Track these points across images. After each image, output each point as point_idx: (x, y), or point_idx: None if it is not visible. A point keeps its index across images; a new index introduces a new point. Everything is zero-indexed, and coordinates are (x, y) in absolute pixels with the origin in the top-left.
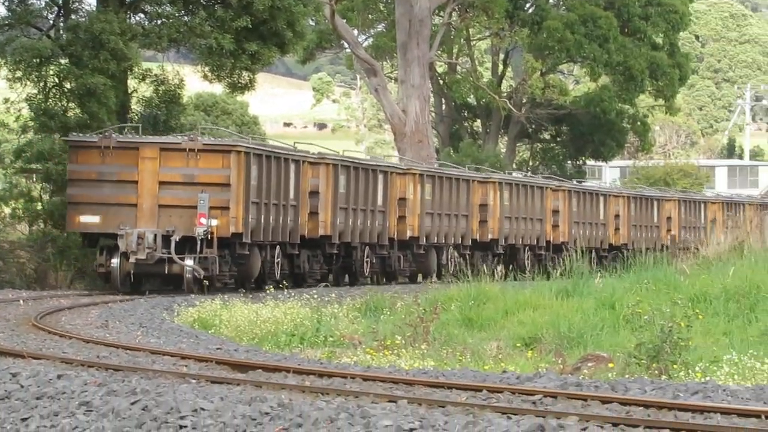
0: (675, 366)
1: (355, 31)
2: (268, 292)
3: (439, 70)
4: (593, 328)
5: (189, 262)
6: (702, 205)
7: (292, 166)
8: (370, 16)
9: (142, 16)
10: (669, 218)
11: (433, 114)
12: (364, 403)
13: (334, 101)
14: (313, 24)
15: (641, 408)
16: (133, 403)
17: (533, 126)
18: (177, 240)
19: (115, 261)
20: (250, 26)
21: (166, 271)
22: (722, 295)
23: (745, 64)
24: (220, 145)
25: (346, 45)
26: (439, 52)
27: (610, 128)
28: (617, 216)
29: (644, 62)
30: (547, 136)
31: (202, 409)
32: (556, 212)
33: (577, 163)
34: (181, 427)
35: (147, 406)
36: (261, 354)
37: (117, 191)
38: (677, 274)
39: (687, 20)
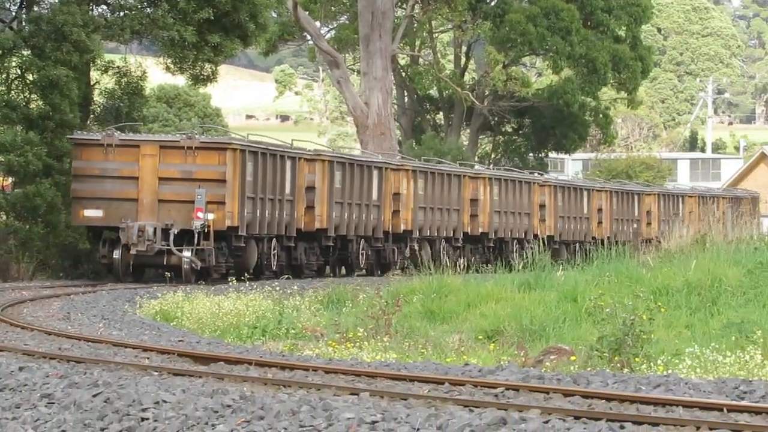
0: (637, 359)
1: (318, 24)
2: (230, 284)
3: (402, 62)
4: (555, 321)
5: (187, 253)
6: (680, 199)
7: (288, 163)
8: (332, 8)
9: (105, 7)
10: (649, 212)
11: (395, 106)
12: (326, 396)
13: (296, 93)
14: (276, 16)
15: (603, 401)
16: (95, 396)
17: (496, 118)
18: (175, 233)
19: (117, 252)
20: (213, 18)
21: (165, 262)
22: (684, 288)
23: (708, 57)
24: (216, 142)
25: (308, 37)
26: (402, 44)
27: (573, 121)
28: (600, 210)
29: (607, 55)
30: (509, 128)
31: (164, 401)
32: (542, 207)
33: (540, 155)
34: (142, 419)
35: (109, 399)
36: (223, 346)
37: (119, 186)
38: (640, 267)
39: (649, 13)
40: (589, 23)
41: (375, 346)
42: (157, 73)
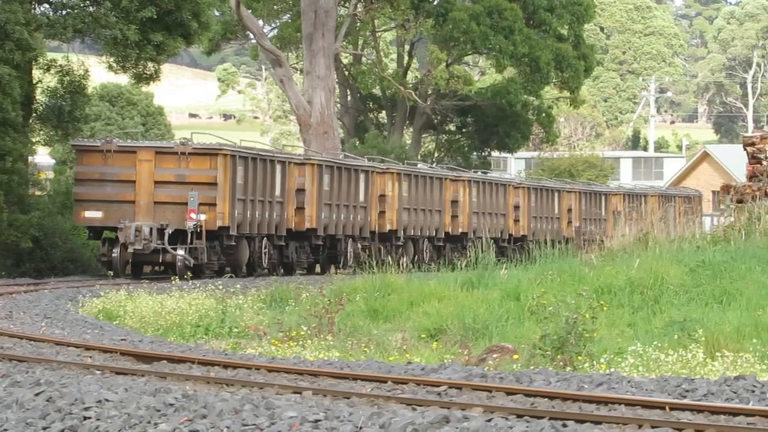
0: (580, 357)
1: (261, 22)
2: (173, 282)
3: (345, 61)
4: (498, 319)
5: (180, 252)
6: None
7: (279, 167)
8: (275, 6)
9: (47, 6)
10: (616, 211)
11: (338, 105)
12: (269, 395)
13: (239, 92)
14: (219, 15)
15: (546, 399)
16: (37, 395)
17: (438, 117)
18: (170, 232)
19: (115, 251)
20: (155, 17)
21: (161, 260)
22: (627, 286)
23: (650, 56)
24: (207, 148)
25: (251, 36)
26: (345, 43)
27: (516, 120)
28: (570, 210)
29: (549, 54)
30: (452, 127)
31: (107, 400)
32: (517, 208)
33: (483, 154)
34: (85, 418)
35: (51, 398)
36: (166, 345)
37: (117, 189)
38: (582, 265)
39: (592, 12)
40: (531, 22)
41: (318, 345)
42: (99, 72)
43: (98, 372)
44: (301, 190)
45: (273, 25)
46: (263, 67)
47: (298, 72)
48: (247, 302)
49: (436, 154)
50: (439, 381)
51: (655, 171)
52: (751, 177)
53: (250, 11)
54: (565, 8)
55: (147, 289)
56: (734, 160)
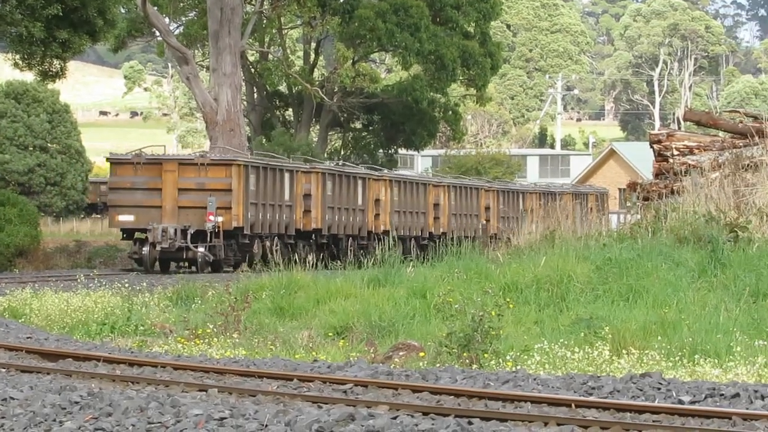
0: (486, 355)
1: (167, 19)
2: (79, 281)
3: (251, 58)
4: (404, 317)
5: (201, 249)
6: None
7: (287, 175)
8: (181, 4)
9: None
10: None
11: (245, 102)
12: (175, 392)
13: (145, 89)
14: (125, 12)
15: (452, 397)
16: None
17: (345, 115)
18: (192, 233)
19: (145, 249)
20: (61, 14)
21: (184, 257)
22: (533, 284)
23: (557, 54)
24: (223, 160)
25: (157, 33)
26: (251, 40)
27: (422, 117)
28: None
29: (456, 51)
30: (358, 125)
31: (12, 398)
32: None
33: (389, 151)
34: None
35: None
36: (71, 343)
37: (146, 196)
38: (489, 263)
39: (498, 9)
40: (438, 19)
41: (224, 343)
42: (5, 69)
43: (3, 370)
44: (307, 195)
45: (179, 22)
46: (170, 64)
47: (205, 69)
48: (154, 300)
49: (342, 152)
50: (345, 379)
51: (561, 168)
52: (658, 174)
53: (156, 8)
54: (471, 5)
55: (53, 287)
56: (641, 158)
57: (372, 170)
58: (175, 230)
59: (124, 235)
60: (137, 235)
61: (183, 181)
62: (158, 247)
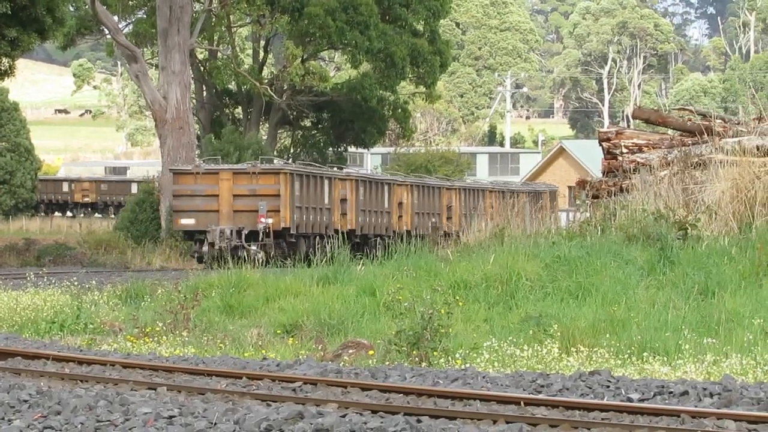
0: (435, 353)
1: (116, 18)
2: (28, 279)
3: (200, 56)
4: (354, 315)
5: (254, 247)
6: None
7: (326, 182)
8: (130, 2)
9: None
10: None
11: (194, 101)
12: (124, 391)
13: (95, 87)
14: (74, 10)
15: (401, 395)
16: None
17: (294, 113)
18: (246, 233)
19: (205, 248)
20: (10, 12)
21: (239, 254)
22: (483, 282)
23: (506, 52)
24: (272, 169)
25: (106, 31)
26: (200, 38)
27: (371, 115)
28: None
29: (405, 49)
30: (308, 123)
31: None
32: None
33: (339, 150)
34: None
35: None
36: (20, 341)
37: (205, 202)
38: (438, 261)
39: (448, 7)
40: (387, 17)
41: (173, 341)
42: None
43: None
44: (343, 200)
45: (128, 20)
46: (119, 62)
47: (154, 67)
48: (103, 298)
49: (292, 150)
50: (294, 377)
51: (511, 166)
52: (607, 172)
53: (105, 7)
54: (420, 3)
55: (2, 285)
56: (590, 156)
57: (394, 176)
58: (231, 231)
59: (185, 237)
60: (197, 236)
61: (237, 188)
62: (216, 247)
